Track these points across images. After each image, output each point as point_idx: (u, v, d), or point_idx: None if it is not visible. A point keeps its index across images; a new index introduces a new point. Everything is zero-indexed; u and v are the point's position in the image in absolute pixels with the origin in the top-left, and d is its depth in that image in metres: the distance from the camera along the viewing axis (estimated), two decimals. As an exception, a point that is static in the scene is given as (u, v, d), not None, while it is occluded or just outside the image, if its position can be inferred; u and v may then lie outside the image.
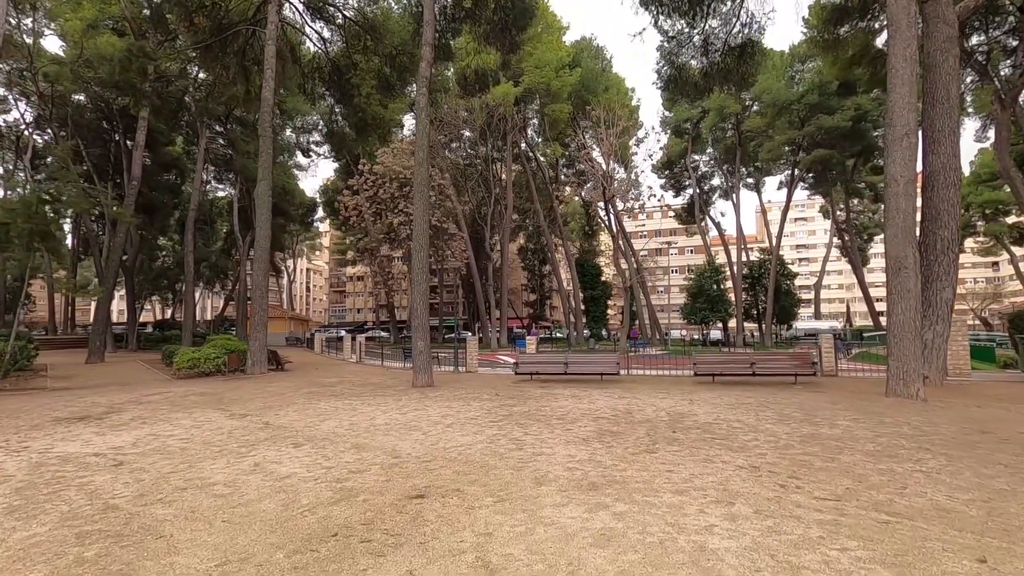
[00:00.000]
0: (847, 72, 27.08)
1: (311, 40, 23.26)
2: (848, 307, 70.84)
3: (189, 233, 29.17)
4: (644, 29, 18.11)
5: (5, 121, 36.97)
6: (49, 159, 35.84)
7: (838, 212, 50.39)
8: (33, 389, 13.74)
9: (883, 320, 58.10)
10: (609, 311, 53.80)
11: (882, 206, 56.99)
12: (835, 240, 57.64)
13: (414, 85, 22.37)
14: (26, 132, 36.30)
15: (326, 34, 23.08)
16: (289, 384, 14.18)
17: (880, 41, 22.07)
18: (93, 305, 29.84)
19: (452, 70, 39.82)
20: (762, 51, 19.07)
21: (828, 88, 35.52)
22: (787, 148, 42.07)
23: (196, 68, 30.61)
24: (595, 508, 4.16)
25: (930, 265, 11.76)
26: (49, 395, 12.46)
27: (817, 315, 57.13)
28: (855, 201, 52.00)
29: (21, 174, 35.67)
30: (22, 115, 35.82)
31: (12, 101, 35.15)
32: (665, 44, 19.51)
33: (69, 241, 42.81)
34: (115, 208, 23.54)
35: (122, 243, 25.60)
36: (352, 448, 6.44)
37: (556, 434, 7.18)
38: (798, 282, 49.62)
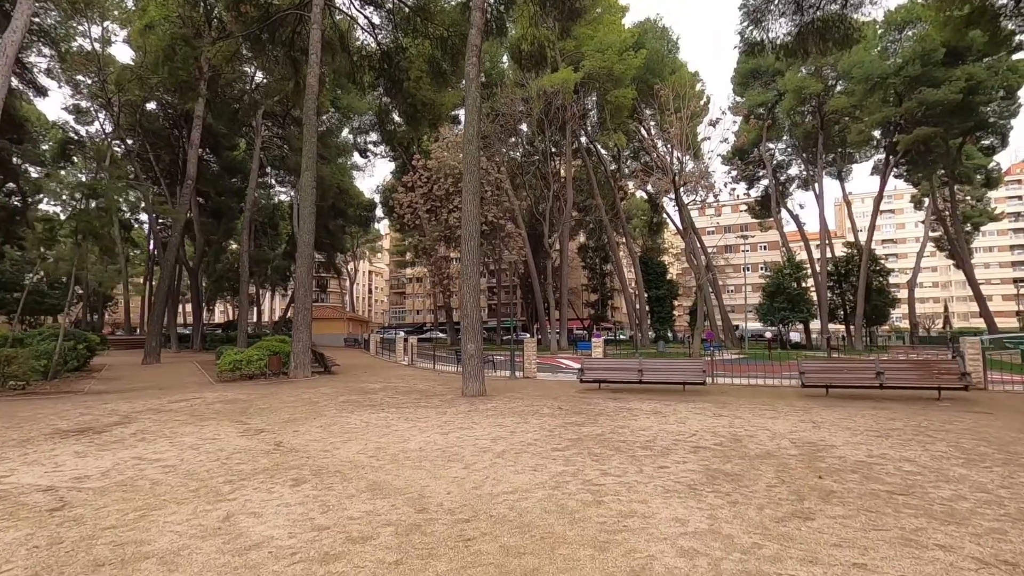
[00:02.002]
0: (960, 35, 23.25)
1: (360, 26, 22.27)
2: (946, 307, 63.69)
3: (244, 233, 29.06)
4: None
5: (88, 132, 38.83)
6: (128, 167, 37.32)
7: (937, 201, 44.84)
8: (70, 392, 13.11)
9: (1006, 321, 51.10)
10: (675, 311, 50.48)
11: (989, 193, 50.83)
12: (931, 232, 51.71)
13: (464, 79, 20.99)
14: (106, 142, 37.86)
15: (376, 20, 22.04)
16: (328, 390, 12.84)
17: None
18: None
19: (507, 61, 38.25)
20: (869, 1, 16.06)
21: (932, 57, 31.16)
22: (878, 131, 37.68)
23: (253, 69, 30.70)
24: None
25: None
26: (78, 399, 11.66)
27: (912, 316, 51.21)
28: (957, 188, 46.10)
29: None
30: (102, 125, 37.42)
31: (93, 112, 36.84)
32: (750, 0, 16.94)
33: (151, 245, 44.68)
34: (163, 206, 23.43)
35: (177, 243, 25.57)
36: (366, 490, 4.71)
37: (646, 474, 5.17)
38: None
